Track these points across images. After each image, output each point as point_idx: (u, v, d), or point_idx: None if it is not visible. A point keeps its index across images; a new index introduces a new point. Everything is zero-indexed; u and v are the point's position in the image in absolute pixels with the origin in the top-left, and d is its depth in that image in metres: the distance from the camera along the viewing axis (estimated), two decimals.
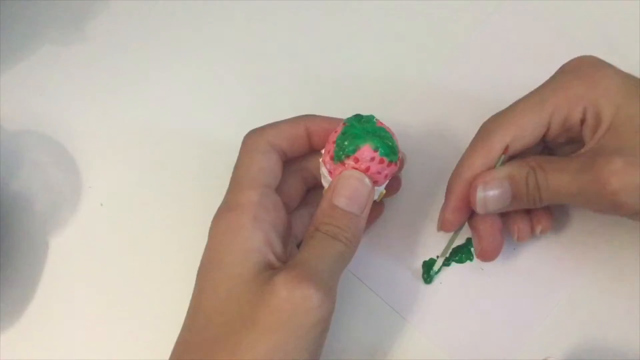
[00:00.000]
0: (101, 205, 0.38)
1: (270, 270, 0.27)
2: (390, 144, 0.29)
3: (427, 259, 0.35)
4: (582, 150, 0.30)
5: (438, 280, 0.35)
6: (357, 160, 0.28)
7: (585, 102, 0.30)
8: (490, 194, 0.30)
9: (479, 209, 0.31)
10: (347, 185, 0.29)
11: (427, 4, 0.41)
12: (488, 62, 0.39)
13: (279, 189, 0.31)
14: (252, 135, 0.31)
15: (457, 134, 0.37)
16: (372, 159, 0.29)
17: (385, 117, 0.31)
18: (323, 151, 0.30)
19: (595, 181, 0.28)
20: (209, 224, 0.29)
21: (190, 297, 0.29)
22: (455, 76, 0.39)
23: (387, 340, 0.34)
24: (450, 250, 0.34)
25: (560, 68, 0.32)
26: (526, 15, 0.41)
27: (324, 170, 0.30)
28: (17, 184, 0.38)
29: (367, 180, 0.29)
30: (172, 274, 0.35)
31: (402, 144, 0.30)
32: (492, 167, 0.31)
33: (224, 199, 0.30)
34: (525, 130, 0.30)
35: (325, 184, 0.30)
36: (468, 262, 0.35)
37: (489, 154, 0.31)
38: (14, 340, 0.35)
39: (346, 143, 0.28)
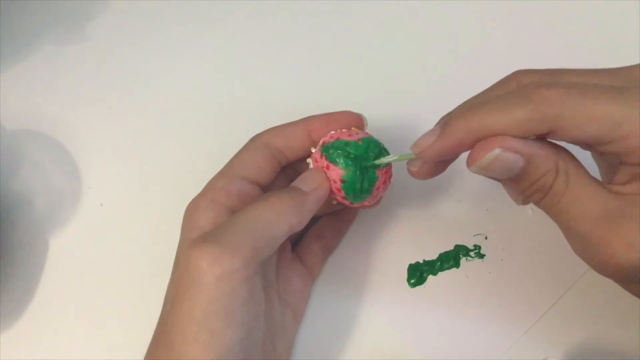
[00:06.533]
0: (101, 205, 0.38)
1: None
2: (366, 186, 0.29)
3: (412, 262, 0.35)
4: (620, 179, 0.25)
5: (422, 286, 0.34)
6: (328, 167, 0.29)
7: None
8: (499, 163, 0.24)
9: (475, 167, 0.25)
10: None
11: (428, 4, 0.41)
12: (487, 63, 0.39)
13: (269, 189, 0.31)
14: (252, 137, 0.32)
15: None
16: (335, 181, 0.29)
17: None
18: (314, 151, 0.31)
19: (606, 240, 0.23)
20: None
21: None
22: (457, 79, 0.39)
23: (374, 344, 0.34)
24: (396, 158, 0.29)
25: None
26: (525, 16, 0.41)
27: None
28: (17, 184, 0.38)
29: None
30: None
31: (387, 146, 0.31)
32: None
33: None
34: (586, 126, 0.23)
35: None
36: (454, 269, 0.35)
37: (526, 125, 0.24)
38: (14, 340, 0.35)
39: (331, 151, 0.29)
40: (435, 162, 0.28)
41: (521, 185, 0.25)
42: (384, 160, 0.29)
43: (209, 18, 0.42)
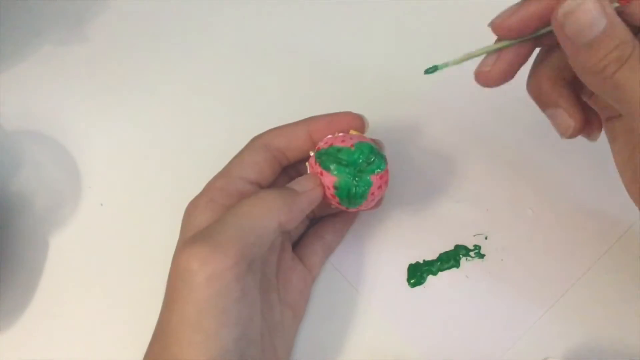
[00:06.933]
0: (101, 205, 0.38)
1: None
2: (360, 192, 0.29)
3: (412, 262, 0.35)
4: None
5: (422, 286, 0.34)
6: (322, 174, 0.29)
7: None
8: (584, 14, 0.23)
9: (563, 12, 0.24)
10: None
11: (430, 4, 0.41)
12: None
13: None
14: (253, 138, 0.32)
15: (445, 139, 0.37)
16: (329, 187, 0.29)
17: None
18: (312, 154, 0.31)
19: None
20: None
21: None
22: (458, 79, 0.39)
23: (374, 344, 0.34)
24: (463, 59, 0.29)
25: None
26: None
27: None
28: (17, 184, 0.38)
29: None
30: None
31: (388, 146, 0.31)
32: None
33: None
34: None
35: None
36: (454, 269, 0.35)
37: None
38: (14, 340, 0.35)
39: (324, 158, 0.29)
40: (509, 59, 0.27)
41: (598, 53, 0.24)
42: (450, 62, 0.28)
43: (209, 18, 0.42)
